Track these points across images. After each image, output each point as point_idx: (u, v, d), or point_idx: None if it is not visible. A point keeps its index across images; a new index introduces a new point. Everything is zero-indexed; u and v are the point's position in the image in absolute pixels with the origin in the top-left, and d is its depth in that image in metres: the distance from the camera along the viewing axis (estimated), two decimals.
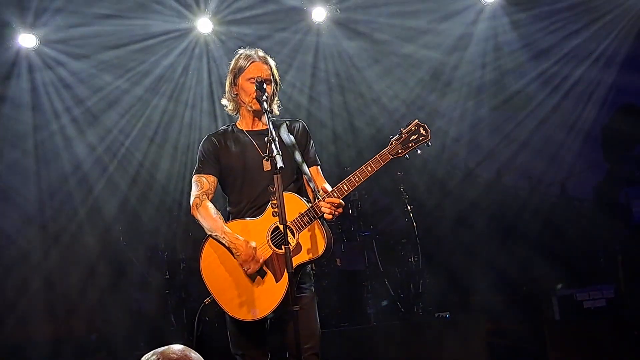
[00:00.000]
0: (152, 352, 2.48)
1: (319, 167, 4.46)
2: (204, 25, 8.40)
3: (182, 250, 8.31)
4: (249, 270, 4.06)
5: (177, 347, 2.49)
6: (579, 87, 8.87)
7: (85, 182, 9.15)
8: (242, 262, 4.05)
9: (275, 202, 3.77)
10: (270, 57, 4.44)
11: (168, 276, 8.21)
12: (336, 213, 3.99)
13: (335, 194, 4.00)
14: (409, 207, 8.12)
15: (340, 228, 8.14)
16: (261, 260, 4.07)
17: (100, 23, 8.09)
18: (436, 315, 7.69)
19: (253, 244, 4.07)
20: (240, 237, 4.10)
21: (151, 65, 8.74)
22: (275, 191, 3.71)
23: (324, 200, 3.99)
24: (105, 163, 9.20)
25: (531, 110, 9.19)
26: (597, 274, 8.00)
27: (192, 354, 2.49)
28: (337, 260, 7.99)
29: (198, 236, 5.02)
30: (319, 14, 8.50)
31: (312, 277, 4.35)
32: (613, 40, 8.56)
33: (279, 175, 3.71)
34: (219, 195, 4.48)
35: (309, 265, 4.23)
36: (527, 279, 8.31)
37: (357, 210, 8.22)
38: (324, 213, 3.98)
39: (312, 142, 4.49)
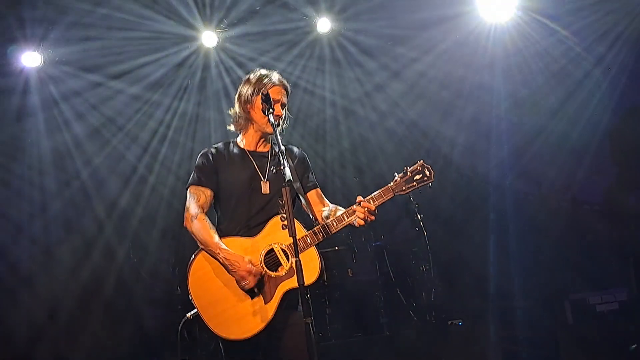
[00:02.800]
0: None
1: (319, 189, 4.46)
2: (208, 39, 8.37)
3: None
4: (247, 285, 3.98)
5: None
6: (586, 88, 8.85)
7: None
8: (240, 277, 3.98)
9: (284, 214, 3.73)
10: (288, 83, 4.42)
11: (179, 292, 8.23)
12: (369, 219, 4.01)
13: (371, 202, 4.01)
14: (419, 216, 8.13)
15: (351, 239, 8.16)
16: (258, 277, 4.00)
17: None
18: (449, 322, 7.68)
19: (247, 258, 4.01)
20: (234, 253, 4.04)
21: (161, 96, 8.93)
22: (284, 203, 3.68)
23: (359, 205, 4.00)
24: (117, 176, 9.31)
25: (538, 114, 9.16)
26: (610, 278, 7.96)
27: None
28: (349, 270, 8.00)
29: None
30: (324, 26, 8.48)
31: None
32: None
33: (287, 187, 3.68)
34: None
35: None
36: (540, 284, 8.27)
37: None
38: (358, 217, 4.00)
39: (310, 167, 4.49)
